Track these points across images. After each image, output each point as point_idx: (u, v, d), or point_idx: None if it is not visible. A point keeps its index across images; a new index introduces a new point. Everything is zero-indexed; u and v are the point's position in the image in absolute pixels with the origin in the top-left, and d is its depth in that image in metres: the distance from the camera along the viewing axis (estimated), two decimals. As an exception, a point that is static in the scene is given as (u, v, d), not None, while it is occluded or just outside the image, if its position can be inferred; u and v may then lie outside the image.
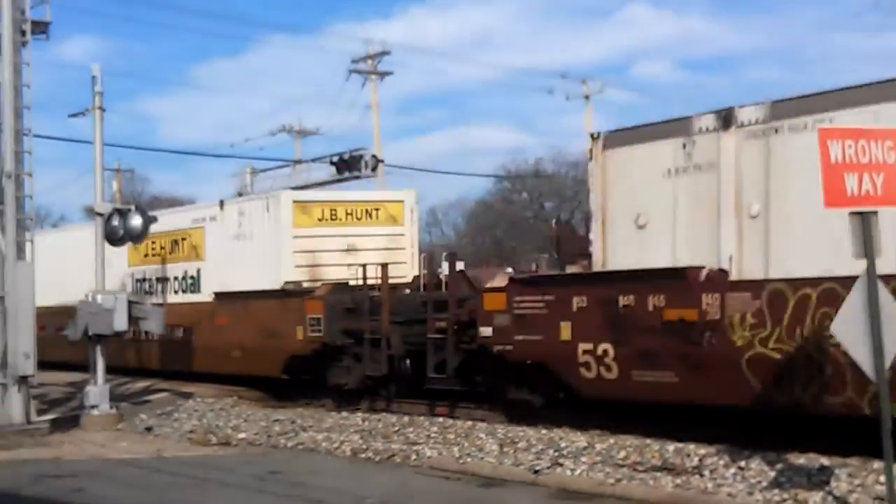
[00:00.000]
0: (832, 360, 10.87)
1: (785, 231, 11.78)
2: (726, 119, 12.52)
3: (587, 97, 51.78)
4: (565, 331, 13.75)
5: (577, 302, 13.63)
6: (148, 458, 14.00)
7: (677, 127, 13.10)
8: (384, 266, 17.90)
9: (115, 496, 11.35)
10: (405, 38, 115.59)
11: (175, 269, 22.61)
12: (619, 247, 13.66)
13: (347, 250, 20.10)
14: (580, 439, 13.05)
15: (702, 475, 10.74)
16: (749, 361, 11.76)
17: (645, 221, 13.33)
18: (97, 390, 17.27)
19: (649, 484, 10.61)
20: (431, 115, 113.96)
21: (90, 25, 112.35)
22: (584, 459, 11.91)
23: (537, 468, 11.66)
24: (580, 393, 13.98)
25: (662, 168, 13.15)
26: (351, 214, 20.79)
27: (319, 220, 20.35)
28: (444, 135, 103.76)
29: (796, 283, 11.36)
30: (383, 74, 46.10)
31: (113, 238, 17.97)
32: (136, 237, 18.26)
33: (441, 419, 15.44)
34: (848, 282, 9.69)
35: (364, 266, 18.21)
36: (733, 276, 12.17)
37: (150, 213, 19.11)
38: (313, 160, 31.67)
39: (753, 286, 11.81)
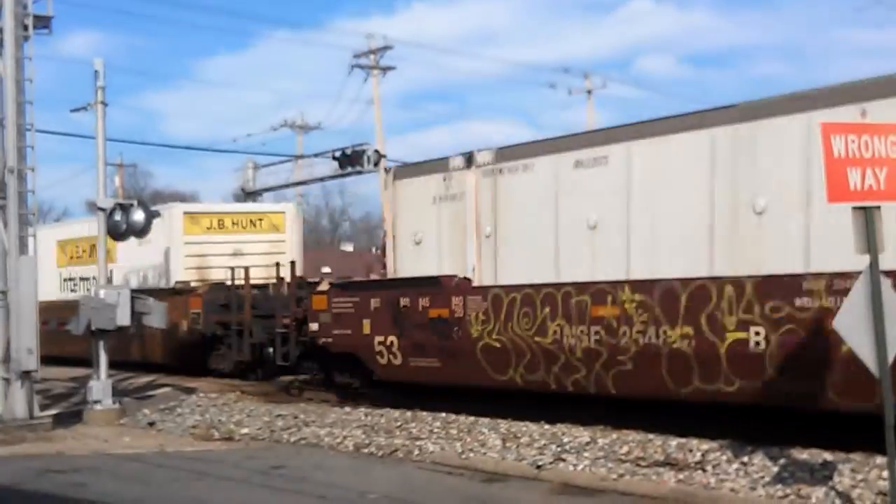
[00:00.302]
0: (529, 347, 14.27)
1: (506, 248, 15.12)
2: (469, 160, 15.82)
3: (589, 92, 51.73)
4: (366, 326, 16.94)
5: (374, 303, 16.82)
6: (151, 453, 14.00)
7: (440, 165, 16.35)
8: (246, 269, 21.53)
9: (117, 491, 11.34)
10: (408, 33, 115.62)
11: (94, 270, 25.42)
12: (404, 259, 16.88)
13: (233, 254, 23.65)
14: (583, 434, 13.05)
15: (704, 470, 10.74)
16: (481, 349, 15.03)
17: (420, 239, 16.57)
18: (100, 385, 17.29)
19: (652, 479, 10.61)
20: (434, 109, 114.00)
21: (93, 20, 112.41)
22: (586, 454, 11.92)
23: (540, 463, 11.66)
24: (379, 376, 17.16)
25: (431, 197, 16.37)
26: (237, 224, 24.70)
27: (208, 228, 24.14)
28: (446, 129, 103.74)
29: (507, 288, 14.76)
30: (385, 69, 45.94)
31: (115, 233, 17.96)
32: (139, 232, 18.24)
33: (444, 415, 15.45)
34: (541, 288, 14.11)
35: (233, 269, 21.85)
36: (475, 283, 15.44)
37: (153, 209, 19.12)
38: (315, 155, 31.78)
39: (483, 291, 15.15)
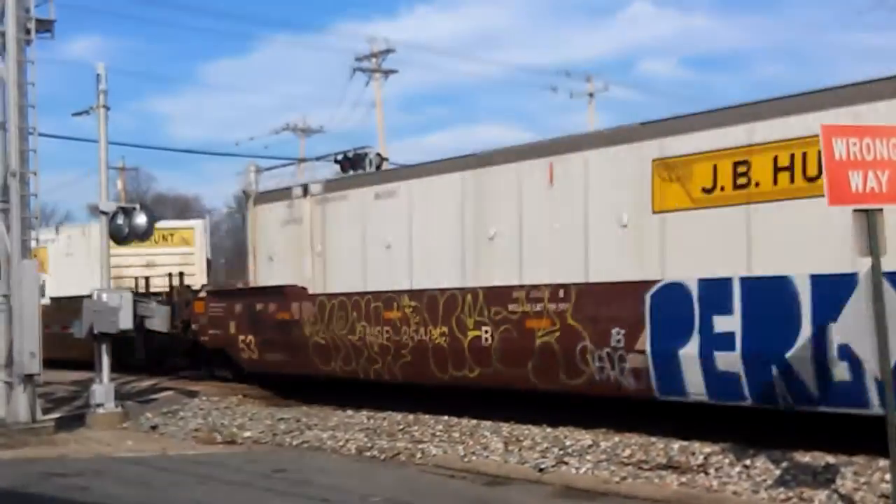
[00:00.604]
0: (344, 344, 17.10)
1: (332, 263, 17.79)
2: (305, 190, 18.56)
3: (591, 95, 51.65)
4: (232, 327, 19.81)
5: (238, 308, 19.75)
6: (153, 456, 14.02)
7: (286, 193, 19.10)
8: (147, 279, 24.89)
9: (120, 494, 11.35)
10: (410, 36, 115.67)
11: None
12: (261, 271, 19.64)
13: (147, 266, 26.48)
14: (585, 437, 13.05)
15: (707, 473, 10.73)
16: (312, 345, 17.82)
17: (272, 255, 19.22)
18: (102, 389, 17.30)
19: (654, 482, 10.61)
20: (436, 113, 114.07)
21: (95, 24, 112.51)
22: (588, 458, 11.92)
23: (542, 466, 11.66)
24: (244, 368, 20.24)
25: (280, 220, 19.04)
26: (150, 238, 26.39)
27: None
28: (448, 133, 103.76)
29: (329, 296, 17.60)
30: (387, 72, 45.93)
31: (118, 237, 17.98)
32: (141, 235, 18.28)
33: (446, 418, 15.46)
34: (351, 296, 17.10)
35: (136, 279, 25.37)
36: (310, 292, 18.00)
37: (155, 212, 19.18)
38: (317, 158, 31.61)
39: (313, 298, 17.91)
